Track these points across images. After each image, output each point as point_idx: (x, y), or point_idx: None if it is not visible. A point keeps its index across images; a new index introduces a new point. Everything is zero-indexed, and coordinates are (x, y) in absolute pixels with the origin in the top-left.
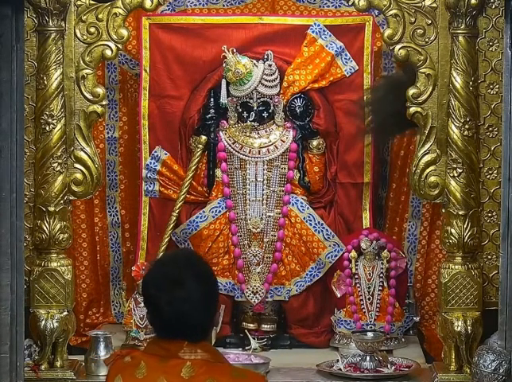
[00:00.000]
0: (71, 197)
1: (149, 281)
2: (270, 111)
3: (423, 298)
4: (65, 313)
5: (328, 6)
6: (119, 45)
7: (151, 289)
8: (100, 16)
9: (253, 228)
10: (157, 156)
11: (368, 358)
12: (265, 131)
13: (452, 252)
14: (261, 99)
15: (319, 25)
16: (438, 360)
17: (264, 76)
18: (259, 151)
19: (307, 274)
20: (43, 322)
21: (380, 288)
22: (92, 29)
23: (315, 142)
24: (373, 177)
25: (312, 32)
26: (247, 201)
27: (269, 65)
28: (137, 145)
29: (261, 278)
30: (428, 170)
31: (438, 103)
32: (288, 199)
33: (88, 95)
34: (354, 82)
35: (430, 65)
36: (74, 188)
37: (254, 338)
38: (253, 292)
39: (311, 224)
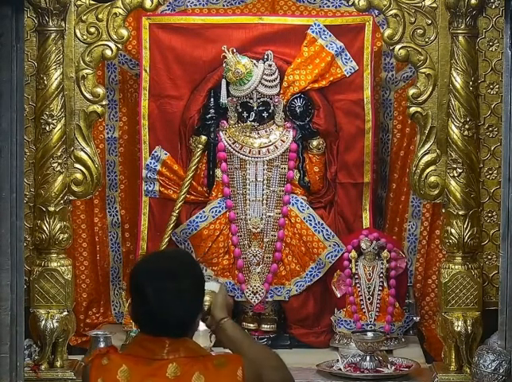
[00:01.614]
0: (71, 197)
1: (140, 269)
2: (270, 111)
3: (423, 298)
4: (65, 313)
5: (328, 6)
6: (119, 45)
7: (140, 278)
8: (100, 16)
9: (253, 228)
10: (157, 156)
11: (368, 358)
12: (265, 131)
13: (452, 252)
14: (261, 99)
15: (319, 25)
16: (438, 360)
17: (264, 76)
18: (259, 151)
19: (307, 274)
20: (43, 322)
21: (380, 288)
22: (92, 29)
23: (315, 142)
24: (373, 177)
25: (312, 32)
26: (247, 201)
27: (269, 65)
28: (137, 145)
29: (261, 278)
30: (428, 170)
31: (438, 103)
32: (288, 199)
33: (88, 95)
34: (354, 82)
35: (430, 65)
36: (74, 188)
37: (254, 338)
38: (253, 292)
39: (311, 224)
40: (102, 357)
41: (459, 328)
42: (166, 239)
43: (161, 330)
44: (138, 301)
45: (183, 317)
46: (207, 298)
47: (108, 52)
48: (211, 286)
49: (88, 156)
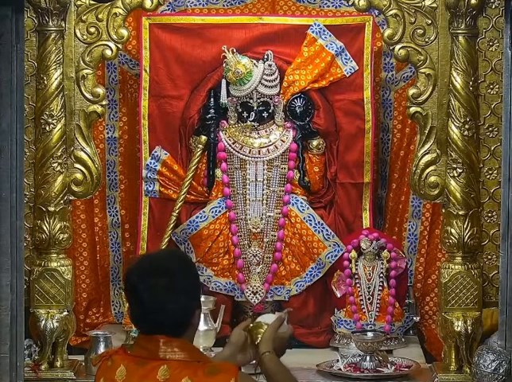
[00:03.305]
0: (71, 197)
1: (133, 270)
2: (270, 111)
3: (423, 298)
4: (65, 313)
5: (328, 6)
6: (119, 45)
7: (133, 277)
8: (100, 16)
9: (253, 228)
10: (157, 156)
11: (368, 358)
12: (265, 131)
13: (452, 252)
14: (261, 99)
15: (319, 25)
16: (438, 360)
17: (264, 76)
18: (259, 151)
19: (307, 274)
20: (43, 322)
21: (380, 288)
22: (92, 29)
23: (315, 142)
24: (373, 177)
25: (312, 32)
26: (247, 201)
27: (269, 65)
28: (137, 145)
29: (261, 278)
30: (428, 170)
31: (438, 103)
32: (288, 199)
33: (88, 95)
34: (354, 82)
35: (430, 65)
36: (74, 188)
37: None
38: (253, 292)
39: (311, 224)
40: (108, 359)
41: (459, 328)
42: (166, 239)
43: (156, 329)
44: (132, 300)
45: (176, 315)
46: (261, 330)
47: (108, 52)
48: (267, 317)
49: (88, 156)
